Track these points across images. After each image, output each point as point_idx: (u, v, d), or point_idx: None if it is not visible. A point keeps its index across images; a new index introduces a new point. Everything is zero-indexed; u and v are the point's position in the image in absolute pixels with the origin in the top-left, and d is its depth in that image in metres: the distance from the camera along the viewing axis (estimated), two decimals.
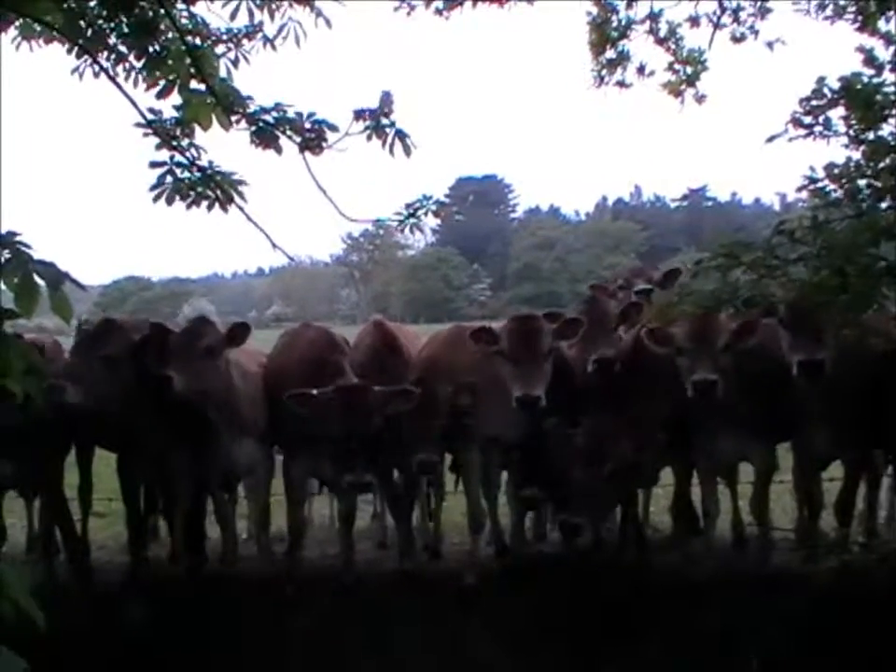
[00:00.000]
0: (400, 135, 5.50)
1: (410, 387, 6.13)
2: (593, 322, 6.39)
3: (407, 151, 5.54)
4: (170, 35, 5.58)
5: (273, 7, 5.62)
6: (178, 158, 5.55)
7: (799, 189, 5.76)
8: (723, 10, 8.35)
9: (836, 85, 5.74)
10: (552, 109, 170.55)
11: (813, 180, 5.65)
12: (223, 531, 6.85)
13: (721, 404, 5.83)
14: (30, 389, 2.75)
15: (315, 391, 5.94)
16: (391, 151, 5.50)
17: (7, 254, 2.60)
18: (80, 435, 6.51)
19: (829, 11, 7.07)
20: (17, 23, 5.62)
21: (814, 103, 5.75)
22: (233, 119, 5.51)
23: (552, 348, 6.12)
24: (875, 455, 6.74)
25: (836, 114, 5.76)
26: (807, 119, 5.76)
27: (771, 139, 5.83)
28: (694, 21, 8.36)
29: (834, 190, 5.52)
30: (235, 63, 5.77)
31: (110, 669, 5.50)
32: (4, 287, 2.62)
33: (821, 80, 5.75)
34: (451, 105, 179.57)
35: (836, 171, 5.60)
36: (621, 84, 8.79)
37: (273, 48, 5.80)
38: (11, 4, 5.05)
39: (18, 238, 2.67)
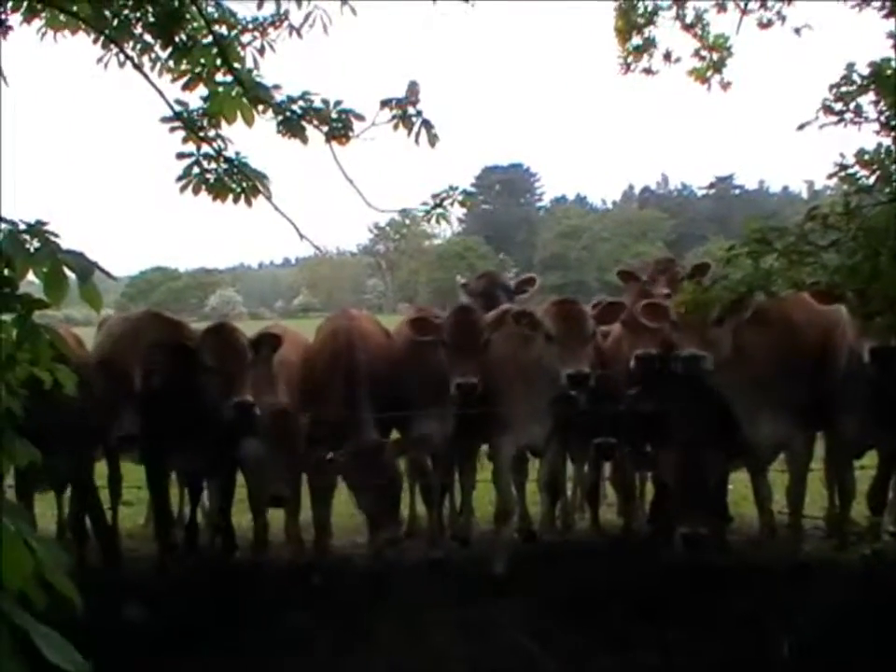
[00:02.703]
0: (426, 125, 5.49)
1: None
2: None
3: (432, 141, 5.54)
4: (196, 24, 5.60)
5: None
6: (205, 149, 5.57)
7: (830, 176, 5.68)
8: None
9: (866, 71, 5.67)
10: (578, 98, 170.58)
11: (844, 167, 5.58)
12: (255, 519, 6.87)
13: (767, 391, 5.93)
14: (59, 377, 2.75)
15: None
16: (417, 140, 5.50)
17: (35, 243, 2.60)
18: None
19: None
20: (43, 14, 5.66)
21: (843, 89, 5.67)
22: (259, 108, 5.52)
23: (594, 331, 6.27)
24: None
25: (866, 100, 5.69)
26: (838, 106, 5.69)
27: (802, 127, 5.76)
28: (721, 6, 8.25)
29: (866, 176, 5.45)
30: (261, 51, 5.79)
31: (138, 654, 5.52)
32: (33, 276, 2.63)
33: (851, 66, 5.68)
34: (477, 95, 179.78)
35: (867, 157, 5.53)
36: (647, 71, 8.70)
37: (300, 36, 5.81)
38: None
39: (46, 227, 2.68)
